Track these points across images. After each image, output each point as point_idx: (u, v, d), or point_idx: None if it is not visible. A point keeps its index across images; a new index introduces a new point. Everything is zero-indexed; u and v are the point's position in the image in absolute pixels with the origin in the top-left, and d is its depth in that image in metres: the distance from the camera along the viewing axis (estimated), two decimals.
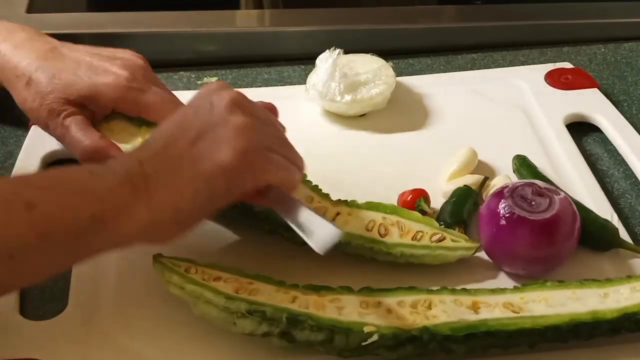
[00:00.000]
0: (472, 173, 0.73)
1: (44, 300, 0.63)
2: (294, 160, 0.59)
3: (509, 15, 0.98)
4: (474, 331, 0.55)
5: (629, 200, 0.74)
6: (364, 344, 0.54)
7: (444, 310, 0.56)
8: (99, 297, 0.62)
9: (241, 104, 0.57)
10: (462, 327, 0.55)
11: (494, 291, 0.59)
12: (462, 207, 0.67)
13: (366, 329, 0.54)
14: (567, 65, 0.90)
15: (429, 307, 0.57)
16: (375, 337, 0.54)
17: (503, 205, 0.62)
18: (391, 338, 0.54)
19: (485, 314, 0.56)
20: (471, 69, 0.91)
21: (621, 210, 0.72)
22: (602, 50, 0.96)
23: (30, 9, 0.93)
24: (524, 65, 0.92)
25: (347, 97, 0.79)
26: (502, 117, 0.82)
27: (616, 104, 0.86)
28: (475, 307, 0.57)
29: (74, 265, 0.57)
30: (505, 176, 0.72)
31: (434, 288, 0.59)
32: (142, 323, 0.60)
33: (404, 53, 0.94)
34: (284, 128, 0.62)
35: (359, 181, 0.74)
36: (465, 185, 0.70)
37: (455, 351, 0.56)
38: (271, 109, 0.64)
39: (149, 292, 0.62)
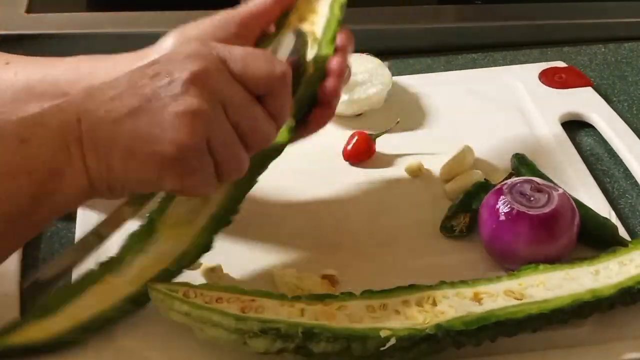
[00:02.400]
0: (469, 171, 0.73)
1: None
2: (228, 165, 0.52)
3: (509, 15, 0.98)
4: (485, 323, 0.55)
5: (629, 200, 0.74)
6: (382, 349, 0.54)
7: (450, 305, 0.57)
8: None
9: (206, 80, 0.50)
10: (473, 320, 0.55)
11: (491, 280, 0.59)
12: (473, 199, 0.68)
13: (382, 334, 0.54)
14: (561, 64, 0.90)
15: (434, 304, 0.57)
16: (393, 341, 0.54)
17: (502, 201, 0.62)
18: (407, 339, 0.54)
19: (490, 304, 0.57)
20: (471, 69, 0.91)
21: (621, 210, 0.72)
22: (603, 50, 0.95)
23: (30, 9, 0.93)
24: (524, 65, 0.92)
25: (344, 97, 0.79)
26: (497, 116, 0.82)
27: (616, 104, 0.86)
28: (477, 298, 0.58)
29: (18, 247, 0.54)
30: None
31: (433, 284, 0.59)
32: (143, 324, 0.60)
33: (404, 53, 0.94)
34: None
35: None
36: (485, 180, 0.70)
37: (466, 344, 0.56)
38: (346, 39, 0.61)
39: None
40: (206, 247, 0.60)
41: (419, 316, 0.56)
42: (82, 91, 0.52)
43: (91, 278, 0.59)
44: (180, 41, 0.62)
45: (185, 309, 0.55)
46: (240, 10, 0.64)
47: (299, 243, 0.67)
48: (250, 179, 0.62)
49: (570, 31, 0.98)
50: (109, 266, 0.59)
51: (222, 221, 0.61)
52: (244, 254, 0.66)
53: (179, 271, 0.60)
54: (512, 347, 0.57)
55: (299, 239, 0.68)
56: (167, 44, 0.63)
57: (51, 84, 0.65)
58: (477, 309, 0.56)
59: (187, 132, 0.49)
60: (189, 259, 0.60)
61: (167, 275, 0.59)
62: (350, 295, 0.58)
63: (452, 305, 0.56)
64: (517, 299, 0.57)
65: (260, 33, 0.65)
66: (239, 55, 0.53)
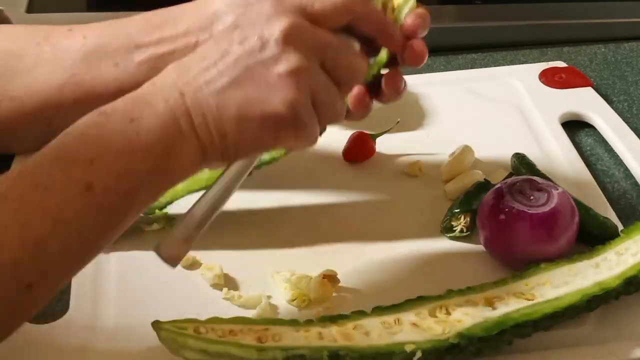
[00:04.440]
0: (469, 171, 0.73)
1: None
2: (331, 111, 0.54)
3: (509, 15, 0.99)
4: (504, 327, 0.55)
5: (629, 200, 0.74)
6: None
7: (465, 312, 0.57)
8: (101, 300, 0.62)
9: (298, 36, 0.52)
10: (492, 326, 0.55)
11: (497, 283, 0.60)
12: (473, 198, 0.68)
13: (408, 348, 0.54)
14: (561, 64, 0.90)
15: (448, 313, 0.57)
16: (419, 354, 0.54)
17: (502, 200, 0.62)
18: (432, 351, 0.54)
19: (503, 308, 0.57)
20: (471, 69, 0.91)
21: (621, 210, 0.72)
22: (603, 50, 0.96)
23: (30, 9, 0.93)
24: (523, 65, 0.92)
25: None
26: (497, 116, 0.82)
27: (616, 104, 0.86)
28: (489, 303, 0.58)
29: (135, 218, 0.52)
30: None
31: (441, 293, 0.59)
32: (145, 326, 0.60)
33: None
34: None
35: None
36: (485, 179, 0.70)
37: (485, 350, 0.56)
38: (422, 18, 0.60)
39: (151, 294, 0.62)
40: None
41: (437, 327, 0.56)
42: (171, 67, 0.52)
43: None
44: None
45: (201, 346, 0.53)
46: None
47: (299, 243, 0.67)
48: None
49: (570, 31, 0.98)
50: None
51: None
52: (244, 254, 0.66)
53: None
54: (514, 348, 0.57)
55: (299, 239, 0.68)
56: None
57: (124, 40, 0.65)
58: (493, 314, 0.56)
59: (296, 90, 0.51)
60: None
61: None
62: (362, 313, 0.57)
63: (467, 313, 0.57)
64: (529, 300, 0.58)
65: None
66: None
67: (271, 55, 0.51)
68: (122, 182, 0.48)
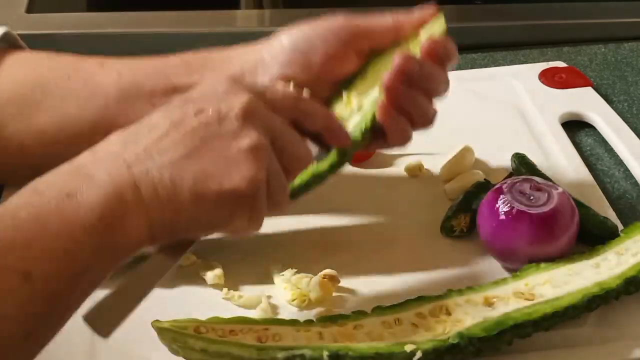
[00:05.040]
0: (469, 171, 0.73)
1: None
2: (279, 195, 0.52)
3: (509, 15, 0.98)
4: (504, 327, 0.55)
5: (629, 200, 0.74)
6: None
7: (465, 312, 0.57)
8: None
9: (255, 114, 0.50)
10: (492, 326, 0.55)
11: (497, 283, 0.60)
12: (473, 198, 0.68)
13: (408, 348, 0.54)
14: (561, 64, 0.90)
15: (448, 313, 0.57)
16: (419, 355, 0.53)
17: (502, 200, 0.62)
18: (432, 352, 0.54)
19: (503, 307, 0.57)
20: (471, 69, 0.91)
21: (621, 211, 0.72)
22: (603, 50, 0.95)
23: (30, 9, 0.93)
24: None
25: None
26: (497, 116, 0.82)
27: (616, 104, 0.86)
28: (489, 303, 0.58)
29: (79, 306, 0.48)
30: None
31: (440, 293, 0.59)
32: (145, 326, 0.59)
33: None
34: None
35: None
36: (485, 179, 0.70)
37: (485, 350, 0.56)
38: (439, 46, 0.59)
39: (151, 294, 0.62)
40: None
41: (438, 327, 0.56)
42: (115, 136, 0.49)
43: None
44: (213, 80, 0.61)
45: (201, 345, 0.53)
46: (360, 21, 0.63)
47: (299, 243, 0.67)
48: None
49: (570, 31, 0.98)
50: None
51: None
52: (244, 254, 0.66)
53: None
54: (514, 348, 0.57)
55: (299, 239, 0.68)
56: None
57: (161, 80, 0.64)
58: (493, 314, 0.56)
59: (256, 167, 0.49)
60: None
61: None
62: (362, 313, 0.57)
63: (467, 313, 0.57)
64: (529, 300, 0.58)
65: (369, 51, 0.64)
66: (262, 86, 0.54)
67: (230, 129, 0.49)
68: (64, 265, 0.44)
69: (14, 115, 0.64)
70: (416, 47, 0.61)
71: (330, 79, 0.63)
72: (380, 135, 0.61)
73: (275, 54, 0.64)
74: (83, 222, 0.44)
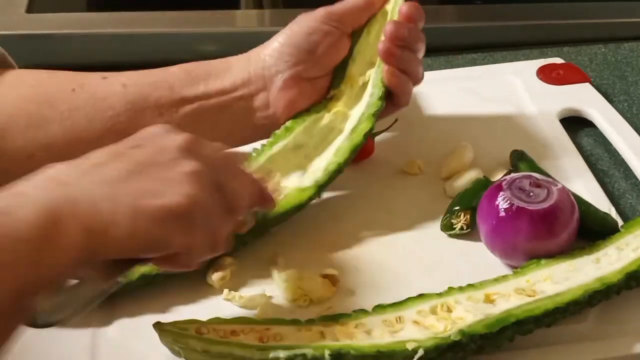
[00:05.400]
0: (468, 169, 0.73)
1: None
2: (220, 231, 0.52)
3: (509, 15, 0.99)
4: (505, 324, 0.55)
5: (629, 201, 0.74)
6: None
7: (466, 309, 0.57)
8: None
9: (194, 148, 0.51)
10: (493, 323, 0.55)
11: (498, 280, 0.60)
12: (473, 196, 0.68)
13: (409, 346, 0.54)
14: (558, 60, 0.90)
15: (449, 310, 0.57)
16: (421, 352, 0.53)
17: (502, 197, 0.62)
18: (434, 349, 0.54)
19: (504, 304, 0.57)
20: None
21: (621, 210, 0.72)
22: (603, 50, 0.95)
23: (30, 9, 0.93)
24: None
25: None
26: (496, 113, 0.82)
27: (616, 103, 0.86)
28: (490, 300, 0.58)
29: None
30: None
31: (441, 291, 0.59)
32: (146, 327, 0.59)
33: None
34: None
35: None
36: (484, 177, 0.70)
37: (486, 347, 0.56)
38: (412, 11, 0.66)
39: (156, 297, 0.62)
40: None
41: (439, 324, 0.56)
42: (50, 166, 0.48)
43: None
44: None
45: (203, 346, 0.53)
46: (339, 6, 0.69)
47: (299, 243, 0.67)
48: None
49: (570, 31, 0.98)
50: None
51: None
52: (244, 254, 0.65)
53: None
54: (515, 344, 0.57)
55: (299, 239, 0.68)
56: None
57: (167, 91, 0.66)
58: (494, 311, 0.56)
59: (197, 188, 0.49)
60: None
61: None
62: (363, 312, 0.57)
63: (468, 310, 0.56)
64: (530, 296, 0.58)
65: (353, 29, 0.70)
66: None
67: (170, 158, 0.50)
68: (2, 279, 0.42)
69: (22, 129, 0.65)
70: (384, 20, 0.70)
71: (331, 67, 0.69)
72: (388, 100, 0.69)
73: (280, 56, 0.67)
74: (19, 236, 0.43)
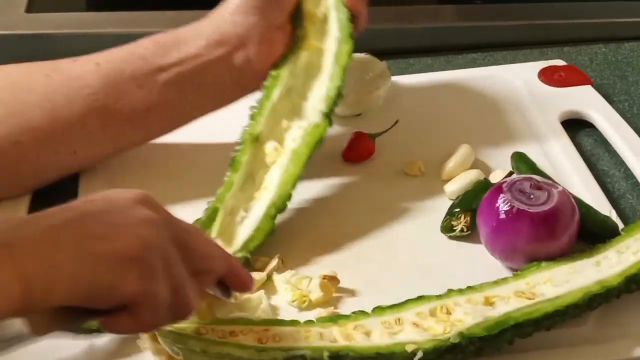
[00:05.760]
0: (468, 170, 0.73)
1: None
2: (184, 290, 0.48)
3: (509, 15, 0.98)
4: (504, 327, 0.55)
5: (630, 201, 0.74)
6: None
7: (466, 312, 0.56)
8: None
9: (149, 201, 0.48)
10: (492, 325, 0.55)
11: (497, 282, 0.60)
12: (474, 198, 0.67)
13: (408, 348, 0.54)
14: (560, 62, 0.90)
15: (449, 313, 0.57)
16: (420, 354, 0.53)
17: (502, 199, 0.62)
18: (432, 351, 0.54)
19: (504, 307, 0.57)
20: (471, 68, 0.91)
21: (621, 211, 0.72)
22: (603, 50, 0.95)
23: (29, 9, 0.93)
24: None
25: (343, 97, 0.79)
26: (497, 115, 0.82)
27: (617, 104, 0.86)
28: (489, 302, 0.58)
29: None
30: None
31: (441, 293, 0.59)
32: None
33: (404, 53, 0.94)
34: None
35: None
36: (485, 179, 0.70)
37: (486, 349, 0.56)
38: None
39: None
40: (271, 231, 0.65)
41: (438, 326, 0.56)
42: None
43: None
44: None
45: (202, 347, 0.53)
46: None
47: (299, 243, 0.67)
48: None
49: (571, 31, 0.98)
50: None
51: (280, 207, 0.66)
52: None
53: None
54: (514, 347, 0.57)
55: (299, 239, 0.68)
56: None
57: (141, 63, 0.67)
58: (493, 313, 0.56)
59: (153, 232, 0.45)
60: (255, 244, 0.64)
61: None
62: (362, 313, 0.57)
63: (468, 312, 0.56)
64: (530, 299, 0.57)
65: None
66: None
67: (124, 205, 0.46)
68: None
69: (2, 117, 0.65)
70: None
71: (291, 8, 0.71)
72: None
73: (247, 10, 0.69)
74: None
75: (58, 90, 0.66)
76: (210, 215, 0.65)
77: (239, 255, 0.63)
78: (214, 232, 0.64)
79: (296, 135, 0.68)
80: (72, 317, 0.45)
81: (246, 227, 0.65)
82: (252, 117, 0.69)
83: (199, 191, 0.69)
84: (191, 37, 0.69)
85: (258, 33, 0.69)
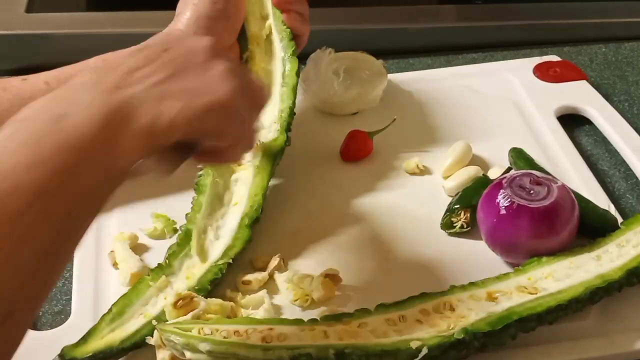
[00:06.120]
0: (467, 167, 0.73)
1: (47, 309, 0.63)
2: (250, 126, 0.55)
3: (509, 15, 0.98)
4: (508, 322, 0.55)
5: (630, 201, 0.73)
6: None
7: (469, 308, 0.57)
8: (102, 306, 0.61)
9: (219, 50, 0.53)
10: (496, 320, 0.55)
11: (499, 278, 0.60)
12: (473, 194, 0.67)
13: (413, 345, 0.54)
14: (555, 58, 0.90)
15: (452, 309, 0.57)
16: (425, 351, 0.53)
17: (502, 195, 0.62)
18: (437, 347, 0.54)
19: (506, 302, 0.57)
20: None
21: (622, 211, 0.72)
22: (603, 50, 0.95)
23: (29, 9, 0.93)
24: None
25: (340, 95, 0.79)
26: (494, 111, 0.82)
27: (617, 103, 0.86)
28: (492, 298, 0.58)
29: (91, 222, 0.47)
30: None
31: (443, 290, 0.59)
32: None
33: (404, 53, 0.94)
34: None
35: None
36: (484, 175, 0.70)
37: (489, 345, 0.56)
38: None
39: None
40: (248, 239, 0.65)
41: (442, 323, 0.56)
42: (83, 74, 0.49)
43: (145, 284, 0.61)
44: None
45: (207, 347, 0.53)
46: None
47: (299, 242, 0.67)
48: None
49: (571, 31, 0.98)
50: (159, 271, 0.61)
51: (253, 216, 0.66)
52: (244, 254, 0.65)
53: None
54: (517, 342, 0.57)
55: (299, 239, 0.67)
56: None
57: (66, 79, 0.65)
58: (496, 309, 0.56)
59: (235, 81, 0.51)
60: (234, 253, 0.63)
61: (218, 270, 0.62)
62: (366, 311, 0.57)
63: (471, 308, 0.56)
64: (532, 294, 0.58)
65: None
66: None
67: (202, 59, 0.51)
68: (69, 180, 0.43)
69: None
70: None
71: (238, 30, 0.72)
72: None
73: (197, 31, 0.70)
74: (79, 141, 0.44)
75: (7, 110, 0.64)
76: (184, 238, 0.64)
77: (221, 262, 0.63)
78: (193, 251, 0.63)
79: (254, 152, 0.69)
80: (176, 156, 0.52)
81: (224, 239, 0.65)
82: None
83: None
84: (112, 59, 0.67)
85: None
